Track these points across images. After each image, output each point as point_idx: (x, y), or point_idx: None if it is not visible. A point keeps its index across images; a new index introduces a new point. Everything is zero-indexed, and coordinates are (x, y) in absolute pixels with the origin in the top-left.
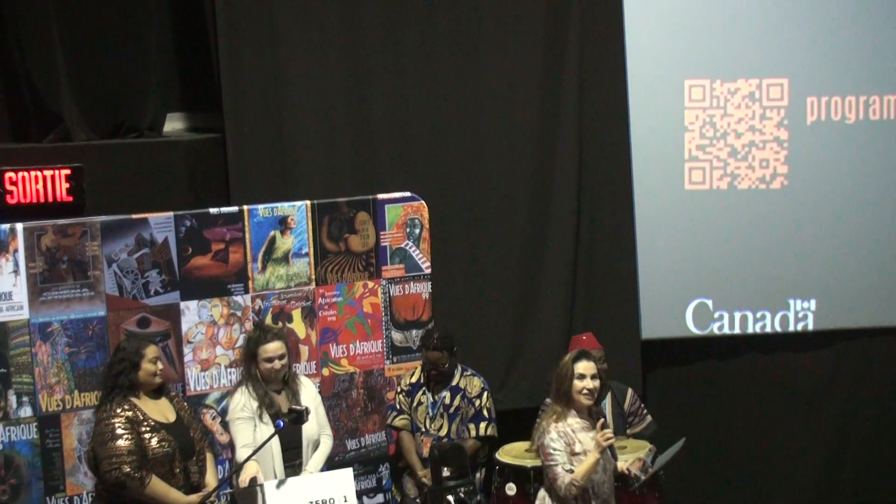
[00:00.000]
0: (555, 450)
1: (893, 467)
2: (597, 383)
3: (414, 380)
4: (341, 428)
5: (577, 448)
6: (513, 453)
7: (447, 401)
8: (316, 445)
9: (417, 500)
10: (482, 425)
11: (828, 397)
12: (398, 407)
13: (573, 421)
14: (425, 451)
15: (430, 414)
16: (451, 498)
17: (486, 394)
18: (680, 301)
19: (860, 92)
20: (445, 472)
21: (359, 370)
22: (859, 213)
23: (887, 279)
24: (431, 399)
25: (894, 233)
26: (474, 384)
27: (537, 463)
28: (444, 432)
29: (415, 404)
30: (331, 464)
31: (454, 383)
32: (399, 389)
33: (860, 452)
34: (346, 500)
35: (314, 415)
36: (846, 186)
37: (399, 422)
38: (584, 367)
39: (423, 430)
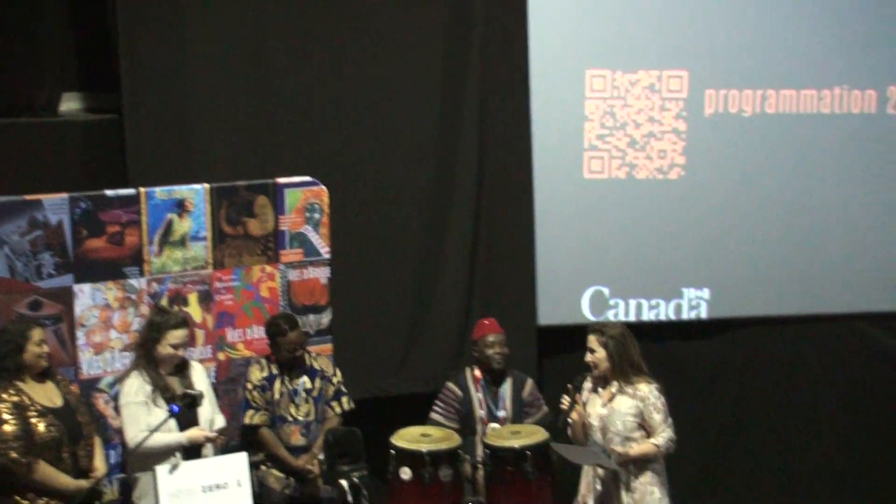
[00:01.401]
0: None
1: (780, 453)
2: (592, 357)
3: (265, 374)
4: (235, 413)
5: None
6: (407, 437)
7: (307, 385)
8: (211, 427)
9: (286, 492)
10: (343, 400)
11: (718, 385)
12: (253, 404)
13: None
14: (294, 440)
15: (295, 402)
16: (344, 482)
17: (337, 369)
18: (576, 288)
19: (757, 86)
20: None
21: (255, 355)
22: (753, 204)
23: (778, 270)
24: (291, 387)
25: (786, 225)
26: (326, 363)
27: (432, 447)
28: (312, 417)
29: (276, 396)
30: (225, 448)
31: (308, 366)
32: (250, 387)
33: (748, 438)
34: (239, 485)
35: (208, 398)
36: (741, 178)
37: (259, 418)
38: (588, 340)
39: (291, 419)
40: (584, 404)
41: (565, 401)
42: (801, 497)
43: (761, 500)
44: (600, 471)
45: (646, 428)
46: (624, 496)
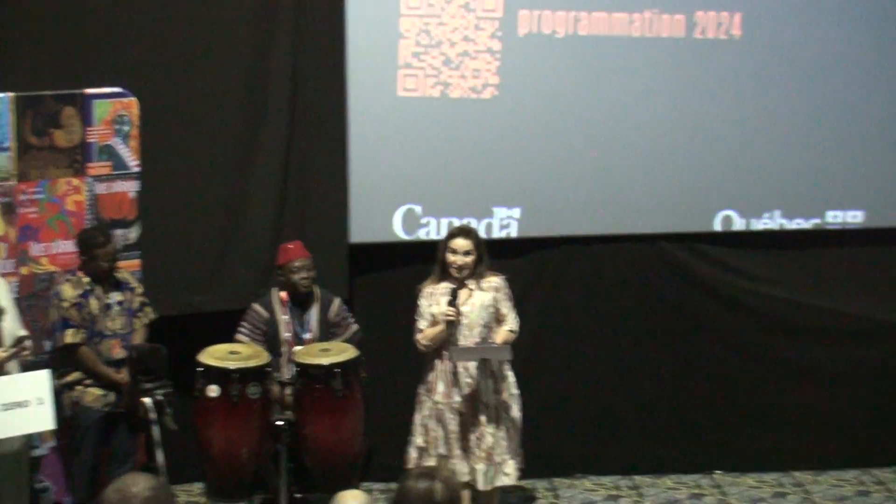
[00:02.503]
0: (419, 306)
1: (585, 368)
2: (468, 259)
3: (79, 290)
4: (38, 328)
5: (434, 310)
6: (216, 355)
7: (119, 298)
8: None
9: (105, 409)
10: (147, 310)
11: (529, 302)
12: (72, 322)
13: (444, 286)
14: (115, 354)
15: (111, 315)
16: (147, 400)
17: (139, 282)
18: (389, 207)
19: (570, 7)
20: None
21: (60, 269)
22: (565, 126)
23: (587, 191)
24: (105, 301)
25: (595, 147)
26: (128, 276)
27: (240, 365)
28: (127, 329)
29: (93, 312)
30: (28, 365)
31: (117, 279)
32: (66, 305)
33: (556, 355)
34: (41, 403)
35: (10, 313)
36: (554, 99)
37: (78, 337)
38: (458, 243)
39: (109, 333)
40: (459, 310)
41: (451, 311)
42: (602, 406)
43: (565, 411)
44: (469, 366)
45: (498, 317)
46: (491, 384)
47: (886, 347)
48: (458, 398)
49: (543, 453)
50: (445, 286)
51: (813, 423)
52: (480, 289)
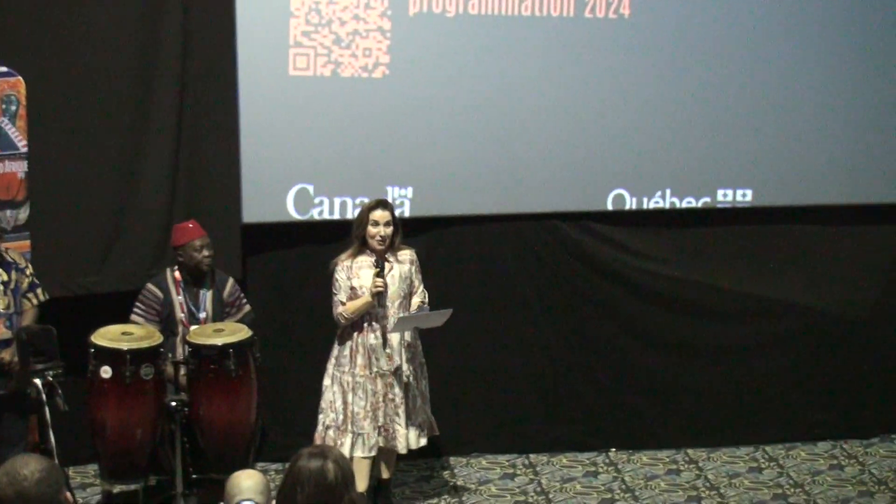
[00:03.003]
0: (336, 280)
1: (481, 350)
2: (389, 230)
3: None
4: None
5: (355, 283)
6: (108, 336)
7: (4, 277)
8: None
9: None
10: (38, 291)
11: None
12: None
13: (363, 259)
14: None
15: None
16: (38, 381)
17: (28, 262)
18: (281, 186)
19: None
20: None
21: None
22: (457, 105)
23: (479, 170)
24: None
25: (487, 126)
26: (17, 256)
27: (133, 346)
28: (12, 309)
29: None
30: None
31: (2, 259)
32: None
33: (450, 334)
34: None
35: None
36: (445, 79)
37: None
38: (379, 215)
39: None
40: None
41: (380, 283)
42: (499, 385)
43: (463, 390)
44: (390, 337)
45: (411, 289)
46: (407, 354)
47: (776, 324)
48: (376, 369)
49: (440, 432)
50: (365, 258)
51: (706, 400)
52: (398, 261)
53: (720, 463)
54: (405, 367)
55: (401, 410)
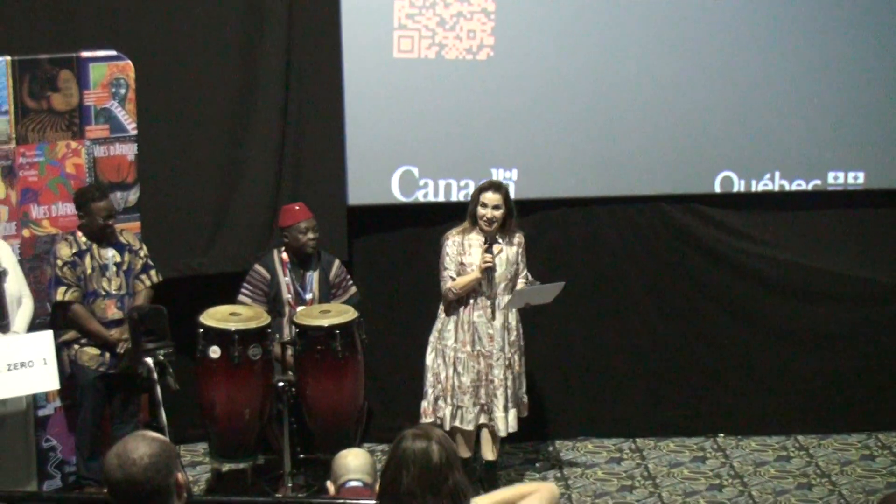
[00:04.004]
0: (447, 255)
1: (586, 333)
2: (497, 213)
3: (74, 249)
4: (41, 290)
5: (465, 259)
6: (217, 317)
7: (117, 258)
8: (19, 305)
9: (100, 369)
10: (152, 273)
11: (528, 264)
12: (64, 281)
13: (474, 237)
14: (110, 314)
15: (106, 276)
16: (149, 360)
17: (143, 244)
18: (386, 168)
19: None
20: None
21: (60, 231)
22: (561, 86)
23: (585, 152)
24: (101, 261)
25: (592, 107)
26: (132, 237)
27: (241, 326)
28: (124, 290)
29: (88, 271)
30: (32, 326)
31: (116, 240)
32: (60, 263)
33: (555, 319)
34: (45, 363)
35: (13, 274)
36: (549, 60)
37: (71, 295)
38: (488, 198)
39: (104, 293)
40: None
41: (489, 258)
42: (604, 369)
43: (568, 374)
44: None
45: (516, 271)
46: (506, 336)
47: (888, 309)
48: (478, 347)
49: (545, 416)
50: (476, 237)
51: (816, 386)
52: (509, 243)
53: (831, 450)
54: (507, 349)
55: (499, 392)
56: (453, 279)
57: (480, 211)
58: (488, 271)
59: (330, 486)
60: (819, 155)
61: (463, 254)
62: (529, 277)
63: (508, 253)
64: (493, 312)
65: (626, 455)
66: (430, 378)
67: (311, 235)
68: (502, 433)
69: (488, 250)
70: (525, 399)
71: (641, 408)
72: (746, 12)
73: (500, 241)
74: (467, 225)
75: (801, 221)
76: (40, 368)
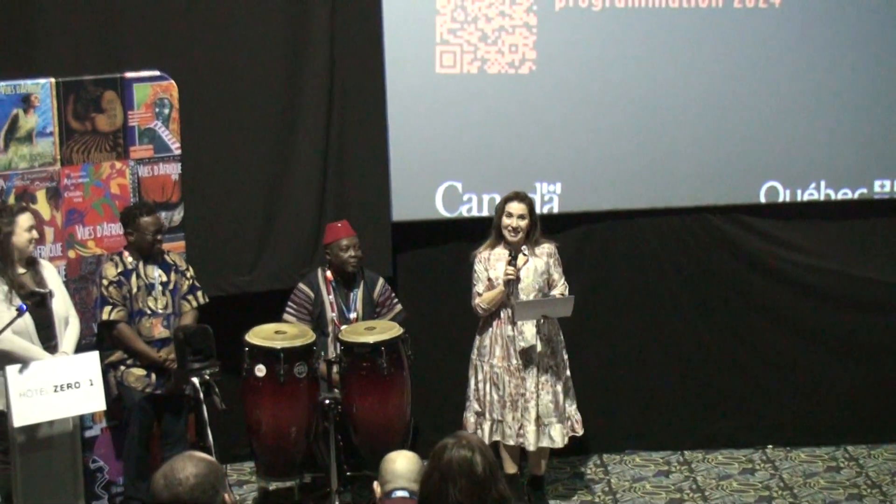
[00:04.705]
0: (475, 272)
1: (633, 345)
2: (523, 223)
3: (120, 269)
4: (87, 311)
5: (492, 274)
6: (262, 335)
7: (163, 278)
8: (66, 325)
9: (147, 390)
10: (199, 294)
11: (573, 278)
12: (110, 300)
13: (500, 251)
14: (156, 333)
15: (153, 295)
16: (195, 380)
17: (189, 265)
18: (430, 184)
19: None
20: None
21: (106, 252)
22: (604, 99)
23: (628, 164)
24: (147, 280)
25: (635, 120)
26: (178, 258)
27: (286, 344)
28: (171, 310)
29: (134, 290)
30: (78, 346)
31: (163, 260)
32: (106, 283)
33: (602, 331)
34: (91, 384)
35: (60, 295)
36: (592, 73)
37: (116, 314)
38: (514, 207)
39: (150, 312)
40: (519, 271)
41: (511, 270)
42: (651, 382)
43: (614, 387)
44: (525, 329)
45: (549, 282)
46: (546, 348)
47: None
48: (514, 361)
49: (592, 429)
50: (501, 251)
51: (865, 395)
52: (535, 255)
53: (881, 460)
54: (543, 361)
55: (531, 405)
56: (480, 294)
57: (506, 221)
58: (512, 283)
59: (376, 486)
60: (865, 163)
61: (490, 269)
62: (566, 290)
63: (537, 263)
64: (521, 324)
65: (675, 468)
66: (470, 394)
67: (352, 253)
68: (531, 447)
69: (511, 262)
70: (576, 415)
71: (689, 420)
72: (789, 22)
73: (526, 252)
74: (493, 239)
75: (847, 231)
76: (87, 389)
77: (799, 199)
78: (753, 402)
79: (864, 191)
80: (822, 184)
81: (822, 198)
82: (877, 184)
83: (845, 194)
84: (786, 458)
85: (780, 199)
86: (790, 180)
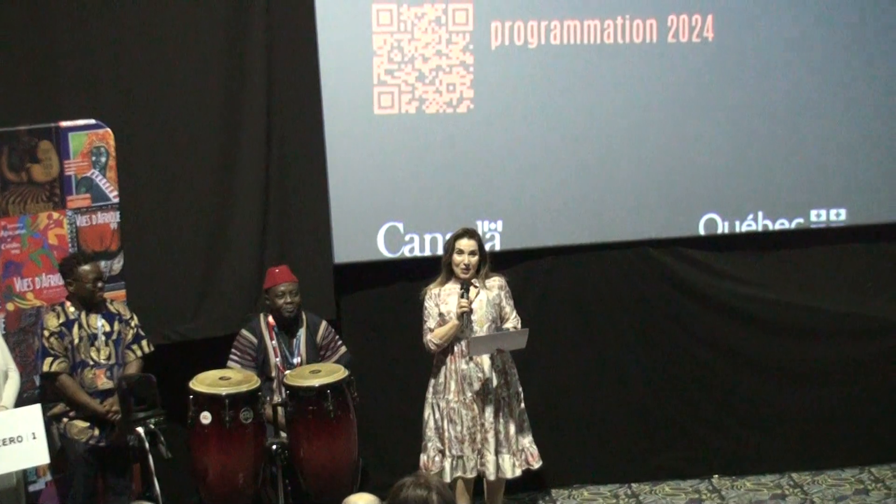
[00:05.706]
0: (426, 308)
1: (580, 382)
2: (474, 259)
3: (62, 319)
4: (28, 364)
5: (444, 309)
6: (207, 382)
7: (106, 328)
8: (5, 379)
9: (90, 442)
10: (143, 343)
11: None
12: (51, 351)
13: (450, 286)
14: (100, 384)
15: (95, 345)
16: (141, 430)
17: (133, 314)
18: (371, 225)
19: (541, 16)
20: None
21: (45, 304)
22: (542, 136)
23: (568, 200)
24: (90, 331)
25: (574, 155)
26: (122, 307)
27: (231, 390)
28: (113, 360)
29: (76, 341)
30: (19, 400)
31: (105, 309)
32: (47, 334)
33: (546, 366)
34: (34, 437)
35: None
36: (530, 110)
37: (58, 366)
38: (464, 244)
39: (92, 363)
40: (471, 303)
41: (464, 303)
42: (597, 415)
43: (560, 421)
44: (481, 362)
45: (501, 315)
46: (500, 379)
47: (876, 343)
48: (469, 394)
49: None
50: (452, 286)
51: (808, 423)
52: (486, 287)
53: (825, 486)
54: (499, 392)
55: (489, 436)
56: (431, 330)
57: (457, 258)
58: (465, 316)
59: None
60: (801, 193)
61: (441, 304)
62: (518, 322)
63: (488, 296)
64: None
65: (623, 500)
66: (427, 433)
67: (287, 299)
68: (491, 476)
69: (463, 296)
70: (531, 448)
71: (635, 452)
72: (723, 56)
73: (477, 284)
74: (443, 276)
75: (786, 260)
76: (30, 443)
77: (737, 230)
78: (698, 433)
79: (801, 220)
80: (760, 214)
81: (761, 228)
82: (813, 213)
83: (783, 224)
84: (732, 486)
85: (719, 231)
86: (728, 212)
